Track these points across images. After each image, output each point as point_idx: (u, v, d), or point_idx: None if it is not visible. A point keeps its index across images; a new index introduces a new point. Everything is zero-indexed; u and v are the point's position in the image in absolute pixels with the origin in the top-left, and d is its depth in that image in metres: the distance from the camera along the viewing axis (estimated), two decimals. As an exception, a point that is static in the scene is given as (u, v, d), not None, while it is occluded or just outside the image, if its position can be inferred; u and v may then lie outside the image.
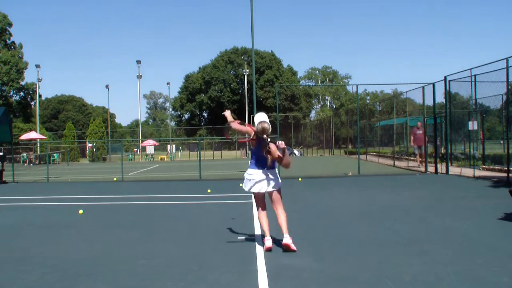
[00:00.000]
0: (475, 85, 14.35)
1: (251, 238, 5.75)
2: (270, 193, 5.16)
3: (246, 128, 5.27)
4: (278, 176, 5.20)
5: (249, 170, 5.22)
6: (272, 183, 5.12)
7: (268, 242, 5.09)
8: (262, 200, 5.28)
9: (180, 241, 5.83)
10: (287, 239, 4.99)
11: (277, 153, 5.01)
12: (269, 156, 4.99)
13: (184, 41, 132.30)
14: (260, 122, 5.07)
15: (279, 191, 5.19)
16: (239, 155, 41.58)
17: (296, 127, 53.60)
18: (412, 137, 17.35)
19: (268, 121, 5.13)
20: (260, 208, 5.30)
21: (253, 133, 5.18)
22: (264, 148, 5.00)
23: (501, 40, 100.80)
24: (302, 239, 5.31)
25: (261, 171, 5.11)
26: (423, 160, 16.32)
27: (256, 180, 5.12)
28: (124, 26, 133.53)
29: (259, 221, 5.30)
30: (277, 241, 5.36)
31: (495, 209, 7.50)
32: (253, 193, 5.25)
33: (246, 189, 5.26)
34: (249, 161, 5.33)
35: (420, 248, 5.08)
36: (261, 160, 5.12)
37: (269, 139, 5.05)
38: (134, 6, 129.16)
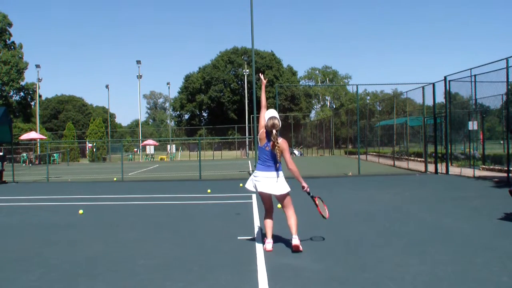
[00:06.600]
0: (475, 85, 14.36)
1: (251, 238, 5.75)
2: (278, 197, 5.12)
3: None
4: (285, 181, 5.10)
5: (256, 172, 5.16)
6: (278, 187, 5.04)
7: (269, 245, 5.12)
8: (268, 203, 5.23)
9: (180, 241, 5.82)
10: (296, 240, 4.96)
11: (286, 145, 5.05)
12: (277, 150, 4.98)
13: (184, 41, 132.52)
14: (271, 118, 5.09)
15: (286, 195, 5.12)
16: (239, 155, 41.58)
17: (296, 127, 53.62)
18: None
19: (278, 118, 5.15)
20: (266, 212, 5.27)
21: (262, 130, 5.18)
22: (272, 143, 5.01)
23: (501, 40, 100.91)
24: (302, 239, 5.29)
25: (267, 172, 5.06)
26: None
27: (261, 181, 5.07)
28: (124, 26, 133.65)
29: (264, 223, 5.27)
30: (278, 241, 5.36)
31: (495, 209, 7.50)
32: (259, 193, 5.18)
33: (250, 188, 5.23)
34: (256, 164, 5.22)
35: (420, 248, 5.07)
36: (268, 160, 5.08)
37: (278, 135, 5.09)
38: (134, 6, 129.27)
